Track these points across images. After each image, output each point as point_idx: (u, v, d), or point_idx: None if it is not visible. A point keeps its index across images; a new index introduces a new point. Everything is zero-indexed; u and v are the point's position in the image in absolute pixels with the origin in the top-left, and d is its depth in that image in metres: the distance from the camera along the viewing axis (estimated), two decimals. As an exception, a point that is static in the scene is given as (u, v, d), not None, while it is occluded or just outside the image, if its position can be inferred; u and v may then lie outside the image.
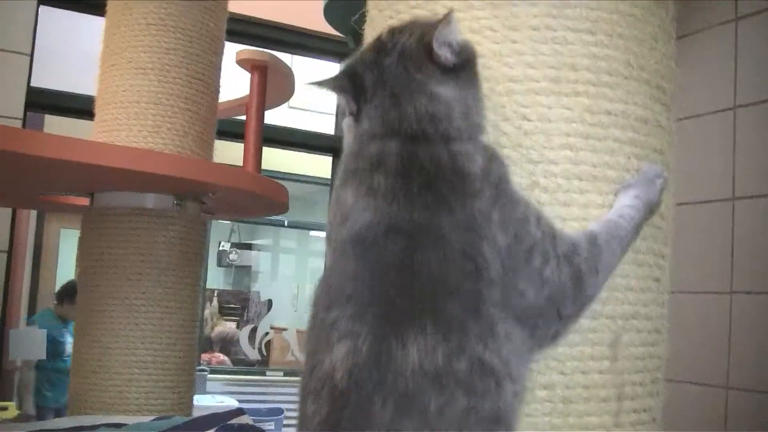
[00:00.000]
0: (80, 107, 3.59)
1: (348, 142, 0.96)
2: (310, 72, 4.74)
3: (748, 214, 2.69)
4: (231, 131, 2.78)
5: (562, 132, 1.01)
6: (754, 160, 2.70)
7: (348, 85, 0.95)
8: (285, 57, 4.48)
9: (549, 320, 0.90)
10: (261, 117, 2.39)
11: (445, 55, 0.92)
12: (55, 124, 4.83)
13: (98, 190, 2.27)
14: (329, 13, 2.92)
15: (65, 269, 6.06)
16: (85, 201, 2.35)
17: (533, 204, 0.94)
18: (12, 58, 3.67)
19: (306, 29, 4.29)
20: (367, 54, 0.96)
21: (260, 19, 4.41)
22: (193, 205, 2.30)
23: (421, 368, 0.78)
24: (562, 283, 0.89)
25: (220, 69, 2.44)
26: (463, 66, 0.93)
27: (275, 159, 5.62)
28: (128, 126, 2.28)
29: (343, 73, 0.97)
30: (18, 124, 3.64)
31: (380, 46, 0.95)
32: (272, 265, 8.17)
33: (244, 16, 4.13)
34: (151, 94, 2.28)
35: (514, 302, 0.85)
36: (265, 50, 2.47)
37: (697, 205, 2.83)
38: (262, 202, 2.32)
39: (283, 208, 2.43)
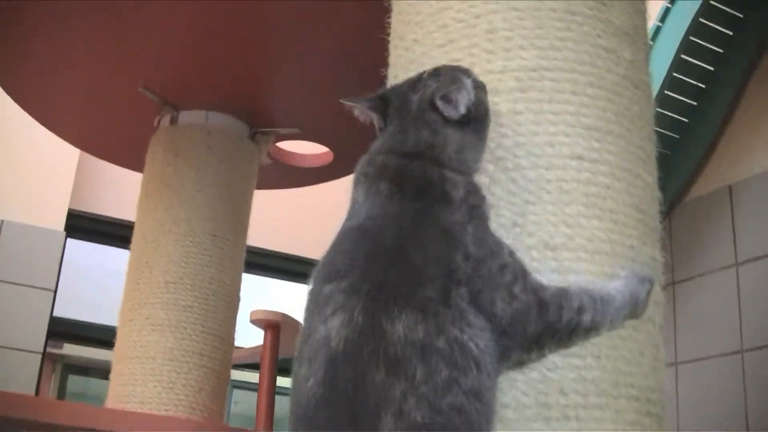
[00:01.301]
0: (101, 337, 3.66)
1: None
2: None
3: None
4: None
5: None
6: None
7: (379, 106, 1.10)
8: (302, 288, 4.61)
9: (514, 337, 0.96)
10: (273, 374, 2.45)
11: (447, 111, 1.05)
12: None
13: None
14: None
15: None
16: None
17: (508, 244, 1.03)
18: (36, 294, 3.79)
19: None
20: (403, 85, 1.11)
21: (279, 252, 4.56)
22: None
23: (407, 340, 0.88)
24: (528, 304, 0.97)
25: (235, 323, 2.53)
26: (471, 120, 1.06)
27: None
28: (144, 381, 2.33)
29: (378, 95, 1.12)
30: (38, 358, 3.71)
31: (416, 81, 1.10)
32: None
33: (263, 249, 4.27)
34: (167, 351, 2.35)
35: (486, 306, 0.95)
36: (278, 311, 2.55)
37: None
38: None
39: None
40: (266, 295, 4.73)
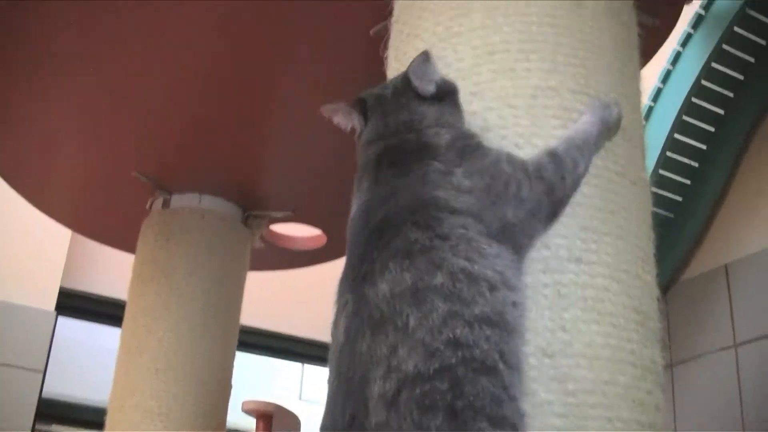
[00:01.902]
0: (91, 419, 3.59)
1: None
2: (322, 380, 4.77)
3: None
4: None
5: None
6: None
7: (359, 106, 1.16)
8: (296, 366, 4.56)
9: (528, 227, 1.04)
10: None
11: (422, 86, 1.12)
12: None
13: None
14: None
15: None
16: None
17: (501, 150, 1.10)
18: (25, 374, 3.73)
19: (316, 340, 4.36)
20: (377, 87, 1.18)
21: (272, 331, 4.51)
22: None
23: (393, 294, 0.88)
24: (538, 197, 1.04)
25: (227, 409, 2.47)
26: (443, 97, 1.13)
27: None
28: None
29: (356, 98, 1.18)
30: (25, 440, 3.63)
31: (384, 83, 1.20)
32: None
33: (256, 328, 4.22)
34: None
35: (495, 225, 0.98)
36: (271, 402, 2.51)
37: None
38: None
39: None
40: (260, 373, 4.66)
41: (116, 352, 2.49)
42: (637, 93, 1.36)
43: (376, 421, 0.80)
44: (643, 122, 1.38)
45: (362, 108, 1.16)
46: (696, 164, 3.00)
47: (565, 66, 1.23)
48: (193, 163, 2.47)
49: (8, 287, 3.79)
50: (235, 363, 2.57)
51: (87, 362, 4.39)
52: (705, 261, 3.05)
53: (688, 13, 2.74)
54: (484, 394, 0.82)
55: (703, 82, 2.86)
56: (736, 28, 2.78)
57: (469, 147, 1.06)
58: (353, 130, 1.18)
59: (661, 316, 1.22)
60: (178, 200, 2.56)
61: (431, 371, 0.81)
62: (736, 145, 2.99)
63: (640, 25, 1.50)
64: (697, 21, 2.81)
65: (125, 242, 2.76)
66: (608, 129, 1.18)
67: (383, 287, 0.89)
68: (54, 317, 3.90)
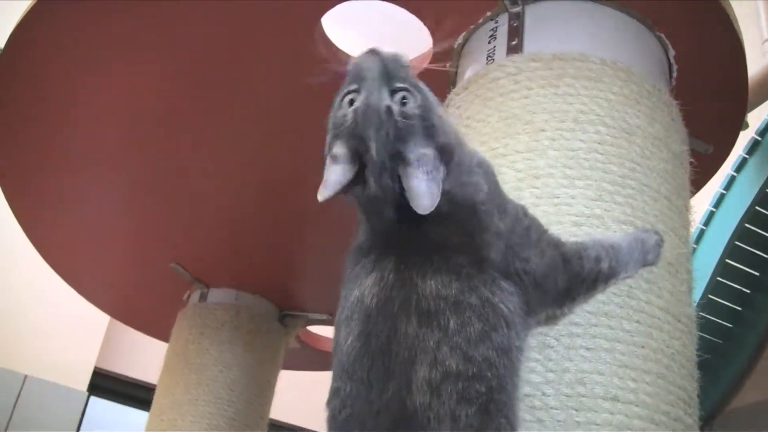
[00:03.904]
0: None
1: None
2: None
3: None
4: None
5: None
6: None
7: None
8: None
9: (547, 292, 1.02)
10: None
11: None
12: None
13: None
14: None
15: None
16: None
17: (517, 202, 1.08)
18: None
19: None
20: None
21: (301, 427, 4.43)
22: None
23: (439, 294, 0.91)
24: (554, 258, 1.03)
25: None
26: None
27: None
28: None
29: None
30: None
31: None
32: None
33: (285, 423, 4.14)
34: None
35: (518, 268, 0.98)
36: None
37: None
38: None
39: None
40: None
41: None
42: (686, 225, 1.31)
43: (420, 401, 0.87)
44: (691, 254, 1.32)
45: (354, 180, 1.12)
46: (747, 291, 2.91)
47: (611, 194, 1.20)
48: (230, 260, 2.47)
49: (43, 364, 3.80)
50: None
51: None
52: (753, 392, 2.92)
53: (744, 138, 2.70)
54: (507, 402, 0.92)
55: (757, 208, 2.79)
56: (792, 155, 2.73)
57: (496, 188, 1.05)
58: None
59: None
60: (215, 295, 2.55)
61: (470, 374, 0.88)
62: (790, 274, 2.89)
63: (694, 151, 1.46)
64: (753, 146, 2.77)
65: (161, 331, 2.74)
66: (644, 252, 1.16)
67: (432, 284, 0.92)
68: (85, 397, 3.89)
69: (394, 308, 0.91)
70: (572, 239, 1.14)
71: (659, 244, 1.18)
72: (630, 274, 1.14)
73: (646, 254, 1.16)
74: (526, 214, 1.06)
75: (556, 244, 1.06)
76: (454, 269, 0.93)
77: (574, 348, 1.09)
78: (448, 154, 0.94)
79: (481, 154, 1.09)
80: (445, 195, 0.92)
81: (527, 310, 1.00)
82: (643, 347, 1.12)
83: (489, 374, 0.89)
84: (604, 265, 1.09)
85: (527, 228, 1.03)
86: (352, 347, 0.93)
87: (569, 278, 1.05)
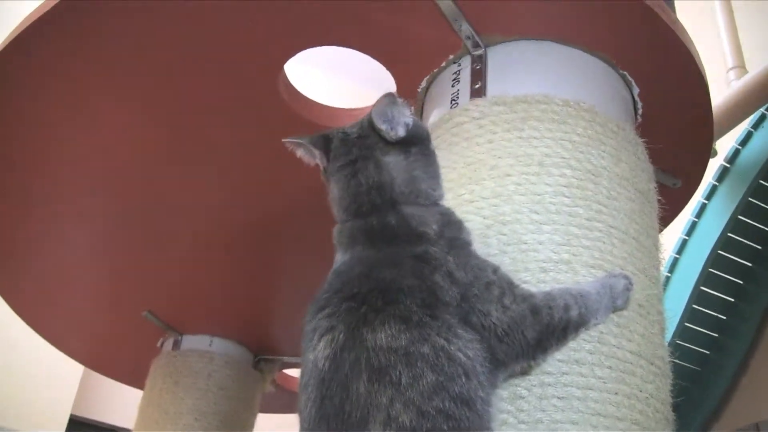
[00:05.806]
0: None
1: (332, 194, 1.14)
2: None
3: None
4: None
5: None
6: None
7: (321, 143, 1.14)
8: None
9: (513, 345, 1.00)
10: None
11: (388, 130, 1.08)
12: None
13: None
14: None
15: None
16: None
17: (491, 262, 1.07)
18: None
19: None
20: (342, 127, 1.15)
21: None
22: None
23: (390, 347, 0.91)
24: (522, 312, 1.02)
25: None
26: (413, 143, 1.09)
27: None
28: None
29: (319, 134, 1.16)
30: None
31: (353, 124, 1.14)
32: None
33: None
34: None
35: (478, 322, 0.98)
36: None
37: None
38: None
39: None
40: None
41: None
42: (656, 265, 1.31)
43: None
44: (662, 294, 1.31)
45: (326, 146, 1.14)
46: (724, 317, 2.91)
47: (579, 238, 1.19)
48: (203, 306, 2.44)
49: (19, 414, 3.74)
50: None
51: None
52: (734, 418, 2.91)
53: (713, 165, 2.71)
54: None
55: (730, 235, 2.80)
56: (761, 181, 2.74)
57: (457, 240, 1.05)
58: (317, 166, 1.17)
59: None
60: (188, 342, 2.51)
61: (425, 429, 0.87)
62: (765, 298, 2.90)
63: (663, 186, 1.46)
64: (722, 174, 2.78)
65: (135, 379, 2.70)
66: (613, 297, 1.15)
67: (382, 337, 0.92)
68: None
69: (345, 369, 0.92)
70: (540, 285, 1.13)
71: (628, 288, 1.17)
72: (600, 320, 1.12)
73: (615, 299, 1.15)
74: (495, 271, 1.05)
75: (525, 297, 1.04)
76: (405, 316, 0.94)
77: (546, 398, 1.07)
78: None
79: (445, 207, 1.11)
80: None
81: (494, 360, 0.99)
82: (616, 393, 1.10)
83: (446, 426, 0.88)
84: (574, 314, 1.08)
85: (488, 283, 1.02)
86: (309, 414, 0.93)
87: (540, 330, 1.04)
